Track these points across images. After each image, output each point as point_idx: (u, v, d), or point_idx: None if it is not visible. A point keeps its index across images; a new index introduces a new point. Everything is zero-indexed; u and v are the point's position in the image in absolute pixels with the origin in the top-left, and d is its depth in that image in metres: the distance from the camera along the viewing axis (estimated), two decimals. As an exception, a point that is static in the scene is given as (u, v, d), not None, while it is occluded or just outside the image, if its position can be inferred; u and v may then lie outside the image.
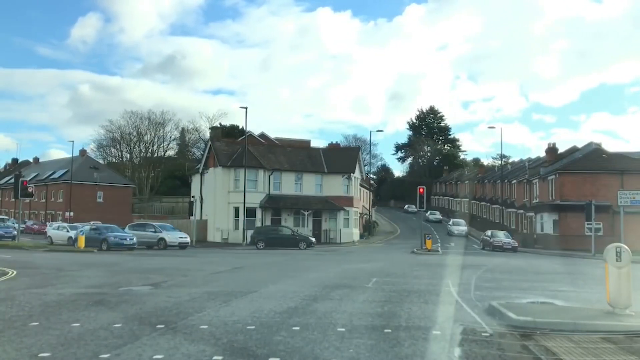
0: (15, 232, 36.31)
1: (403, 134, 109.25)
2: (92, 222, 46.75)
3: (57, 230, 36.93)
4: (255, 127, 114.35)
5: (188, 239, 34.62)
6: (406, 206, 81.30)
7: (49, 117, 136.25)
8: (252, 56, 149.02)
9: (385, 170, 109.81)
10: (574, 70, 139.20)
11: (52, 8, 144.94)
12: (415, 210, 67.55)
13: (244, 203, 41.09)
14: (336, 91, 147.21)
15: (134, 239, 30.35)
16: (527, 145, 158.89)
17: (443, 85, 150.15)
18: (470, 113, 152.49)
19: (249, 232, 41.03)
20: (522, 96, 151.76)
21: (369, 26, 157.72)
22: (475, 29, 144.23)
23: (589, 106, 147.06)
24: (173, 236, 33.67)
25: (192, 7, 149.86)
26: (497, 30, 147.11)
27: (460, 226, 55.42)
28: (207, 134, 61.77)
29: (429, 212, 70.09)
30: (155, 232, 33.69)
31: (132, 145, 78.22)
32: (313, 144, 59.79)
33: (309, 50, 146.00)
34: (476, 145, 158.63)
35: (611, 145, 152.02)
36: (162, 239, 33.11)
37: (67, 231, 35.42)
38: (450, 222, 59.09)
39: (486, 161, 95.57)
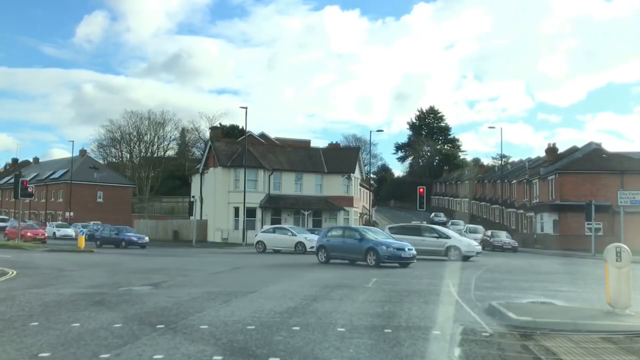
0: (141, 239, 34.20)
1: (405, 134, 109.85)
2: (92, 222, 46.89)
3: (273, 234, 29.68)
4: (258, 127, 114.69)
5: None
6: (432, 214, 68.72)
7: (52, 116, 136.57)
8: (257, 55, 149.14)
9: (385, 170, 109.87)
10: (581, 70, 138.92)
11: (57, 6, 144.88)
12: (445, 219, 62.27)
13: (244, 203, 41.08)
14: (341, 91, 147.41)
15: (413, 249, 20.31)
16: (532, 145, 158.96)
17: (449, 85, 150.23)
18: (475, 113, 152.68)
19: (249, 232, 41.03)
20: (527, 95, 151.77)
21: (377, 25, 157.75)
22: (483, 27, 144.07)
23: (595, 106, 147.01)
24: (467, 245, 25.18)
25: (199, 5, 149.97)
26: (505, 29, 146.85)
27: (477, 233, 44.62)
28: (207, 134, 61.77)
29: (433, 214, 68.70)
30: (439, 237, 25.02)
31: (132, 145, 78.19)
32: (316, 144, 59.93)
33: (315, 49, 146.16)
34: (480, 145, 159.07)
35: (616, 146, 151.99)
36: (452, 248, 24.31)
37: (292, 235, 28.55)
38: (465, 229, 49.30)
39: (486, 161, 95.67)
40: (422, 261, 22.00)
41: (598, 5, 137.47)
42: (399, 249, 19.67)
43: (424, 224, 33.88)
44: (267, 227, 32.46)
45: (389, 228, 27.07)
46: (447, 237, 25.27)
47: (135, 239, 34.28)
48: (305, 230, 30.48)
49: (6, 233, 39.13)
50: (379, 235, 21.57)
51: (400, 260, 19.66)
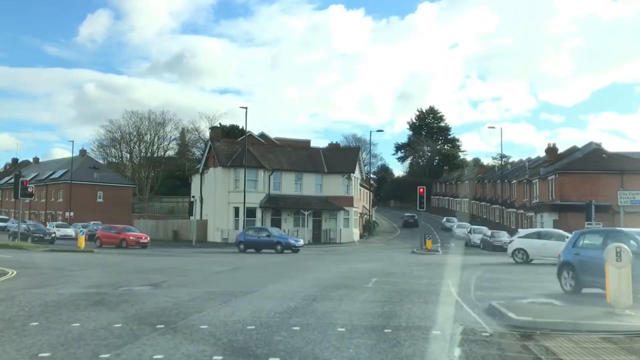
0: (297, 242, 31.12)
1: (405, 134, 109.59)
2: (92, 222, 46.86)
3: (539, 240, 23.85)
4: (260, 127, 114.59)
5: None
6: (444, 219, 64.58)
7: (54, 116, 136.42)
8: (260, 55, 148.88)
9: (385, 170, 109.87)
10: (585, 69, 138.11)
11: (61, 5, 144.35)
12: (454, 223, 56.82)
13: (244, 203, 41.09)
14: (344, 90, 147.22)
15: None
16: (534, 145, 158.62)
17: (453, 85, 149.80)
18: (479, 112, 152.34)
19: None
20: (531, 95, 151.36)
21: (381, 24, 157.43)
22: (488, 26, 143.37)
23: (598, 105, 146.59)
24: None
25: (204, 5, 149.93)
26: (510, 28, 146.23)
27: (480, 234, 42.74)
28: (207, 134, 61.73)
29: (445, 219, 64.92)
30: None
31: (132, 145, 78.14)
32: (318, 145, 59.98)
33: (319, 48, 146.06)
34: (483, 145, 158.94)
35: (618, 146, 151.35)
36: None
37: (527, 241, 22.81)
38: (469, 230, 46.92)
39: (486, 161, 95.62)
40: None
41: (603, 4, 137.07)
42: None
43: None
44: (525, 231, 25.94)
45: None
46: None
47: (292, 241, 31.03)
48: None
49: (98, 237, 34.54)
50: None
51: None
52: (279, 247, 30.22)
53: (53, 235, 36.40)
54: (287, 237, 32.66)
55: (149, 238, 34.48)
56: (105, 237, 34.21)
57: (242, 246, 31.51)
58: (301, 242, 32.53)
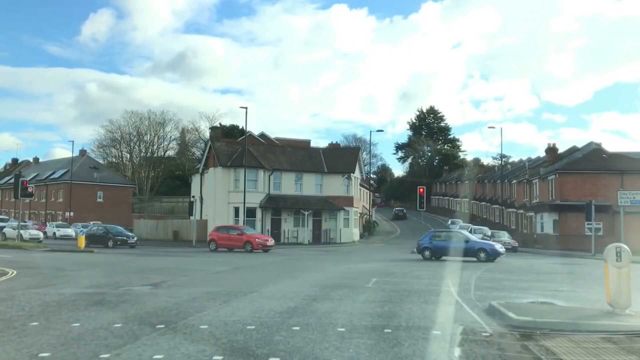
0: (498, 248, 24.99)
1: (406, 134, 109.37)
2: (92, 222, 46.84)
3: None
4: (261, 127, 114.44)
5: None
6: (449, 222, 61.67)
7: (55, 116, 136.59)
8: (263, 54, 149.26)
9: (385, 170, 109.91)
10: (588, 69, 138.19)
11: (63, 4, 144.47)
12: (458, 225, 51.76)
13: (244, 203, 41.09)
14: (346, 90, 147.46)
15: None
16: (535, 145, 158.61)
17: (455, 84, 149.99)
18: (481, 112, 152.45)
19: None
20: (534, 95, 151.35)
21: (385, 24, 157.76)
22: (492, 26, 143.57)
23: (601, 105, 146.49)
24: None
25: (207, 4, 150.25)
26: (514, 27, 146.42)
27: (480, 234, 40.41)
28: (207, 134, 61.73)
29: (450, 221, 61.62)
30: None
31: (132, 145, 78.15)
32: (318, 145, 59.90)
33: (321, 48, 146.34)
34: (485, 145, 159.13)
35: (619, 145, 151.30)
36: None
37: None
38: (469, 230, 44.78)
39: (487, 161, 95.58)
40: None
41: (607, 4, 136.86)
42: None
43: None
44: None
45: None
46: None
47: (498, 248, 25.23)
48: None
49: (212, 239, 32.17)
50: None
51: None
52: (482, 255, 24.19)
53: (135, 239, 33.70)
54: (490, 243, 26.92)
55: (274, 241, 32.04)
56: (224, 239, 31.37)
57: (427, 253, 25.39)
58: (504, 249, 27.23)
